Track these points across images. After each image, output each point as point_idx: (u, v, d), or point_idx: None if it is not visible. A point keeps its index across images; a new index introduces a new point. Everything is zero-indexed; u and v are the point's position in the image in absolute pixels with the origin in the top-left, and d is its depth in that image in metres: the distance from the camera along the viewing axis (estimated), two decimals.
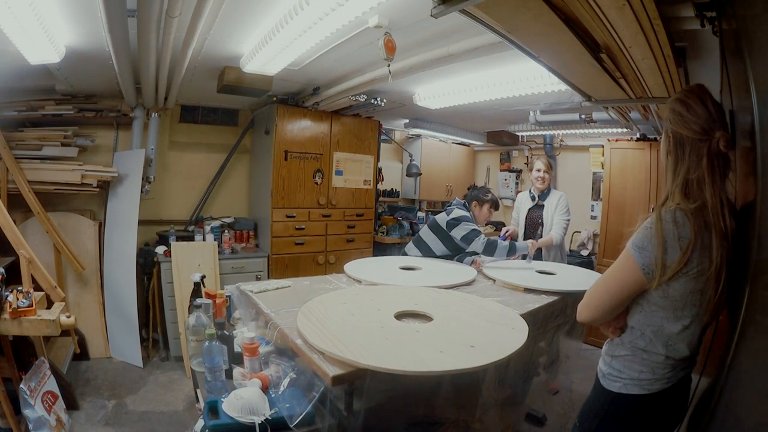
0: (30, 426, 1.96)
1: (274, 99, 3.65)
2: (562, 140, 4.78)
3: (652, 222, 0.99)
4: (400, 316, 1.49)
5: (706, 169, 0.99)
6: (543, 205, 3.11)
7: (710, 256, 0.95)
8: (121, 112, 3.38)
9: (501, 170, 5.57)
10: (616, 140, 3.90)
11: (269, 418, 1.12)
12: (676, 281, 0.98)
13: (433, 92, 3.27)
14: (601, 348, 1.19)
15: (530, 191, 3.21)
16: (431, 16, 1.27)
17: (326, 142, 4.00)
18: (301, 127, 3.82)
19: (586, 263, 3.96)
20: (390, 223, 4.78)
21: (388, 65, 2.16)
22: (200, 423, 1.26)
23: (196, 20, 1.81)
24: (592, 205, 4.52)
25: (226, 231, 3.83)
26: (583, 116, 3.44)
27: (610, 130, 3.81)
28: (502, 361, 1.16)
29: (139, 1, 1.66)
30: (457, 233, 2.60)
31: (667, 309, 1.01)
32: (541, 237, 3.02)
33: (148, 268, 3.31)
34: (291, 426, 1.09)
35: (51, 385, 2.15)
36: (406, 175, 5.14)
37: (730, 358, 0.96)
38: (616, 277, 1.06)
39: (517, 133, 4.94)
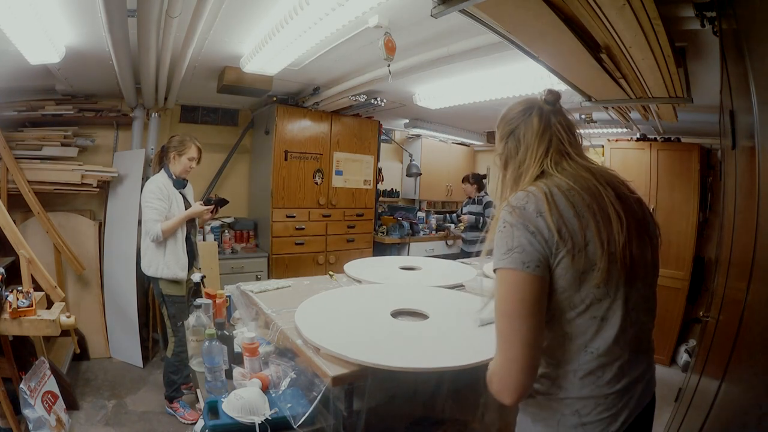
0: (30, 426, 1.96)
1: (274, 99, 3.65)
2: None
3: None
4: (398, 314, 1.49)
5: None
6: None
7: None
8: (121, 112, 3.38)
9: None
10: (616, 140, 3.90)
11: (269, 418, 1.12)
12: None
13: (433, 92, 3.27)
14: None
15: None
16: (431, 16, 1.27)
17: (326, 142, 4.00)
18: (301, 127, 3.82)
19: None
20: (390, 223, 4.78)
21: (388, 65, 2.16)
22: (200, 423, 1.26)
23: (196, 20, 1.81)
24: None
25: (226, 231, 3.84)
26: (583, 116, 3.44)
27: (610, 130, 3.81)
28: None
29: (139, 1, 1.66)
30: None
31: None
32: None
33: None
34: (294, 426, 1.09)
35: (51, 385, 2.15)
36: (406, 175, 5.14)
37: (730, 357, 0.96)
38: None
39: None
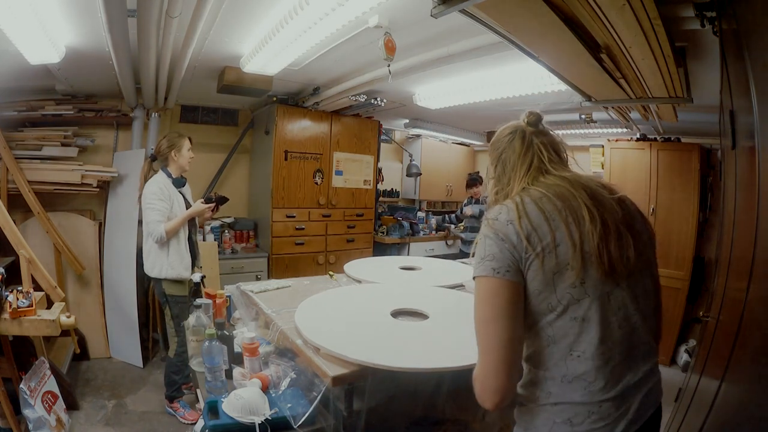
0: (30, 426, 1.96)
1: (274, 99, 3.65)
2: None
3: None
4: (398, 314, 1.49)
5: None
6: None
7: None
8: (121, 112, 3.38)
9: None
10: (616, 140, 3.90)
11: (269, 418, 1.12)
12: None
13: (433, 92, 3.27)
14: None
15: None
16: (431, 16, 1.27)
17: (326, 142, 4.00)
18: (301, 127, 3.82)
19: None
20: (390, 223, 4.78)
21: (388, 65, 2.16)
22: (200, 423, 1.26)
23: (196, 20, 1.81)
24: None
25: (226, 231, 3.84)
26: (583, 116, 3.44)
27: (610, 130, 3.81)
28: None
29: (139, 1, 1.66)
30: None
31: None
32: None
33: None
34: (294, 426, 1.09)
35: (51, 385, 2.15)
36: (406, 175, 5.14)
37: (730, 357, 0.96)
38: None
39: None
